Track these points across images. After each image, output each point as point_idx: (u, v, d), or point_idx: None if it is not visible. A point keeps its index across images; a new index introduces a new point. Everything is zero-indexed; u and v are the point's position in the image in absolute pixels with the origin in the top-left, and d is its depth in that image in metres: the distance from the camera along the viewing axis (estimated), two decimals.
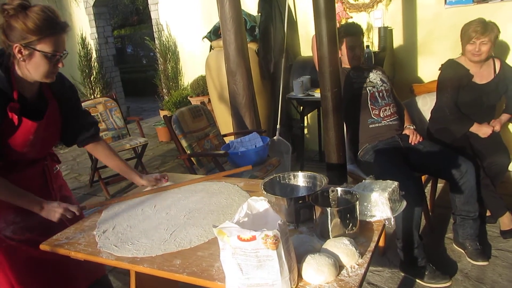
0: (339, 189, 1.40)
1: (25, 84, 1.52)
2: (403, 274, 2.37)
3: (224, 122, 4.24)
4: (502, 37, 3.25)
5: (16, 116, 1.48)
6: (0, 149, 1.49)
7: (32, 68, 1.45)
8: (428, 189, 3.09)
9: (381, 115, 2.63)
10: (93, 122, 1.82)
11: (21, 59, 1.42)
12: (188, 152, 2.99)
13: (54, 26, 1.41)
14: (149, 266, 1.31)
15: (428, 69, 3.71)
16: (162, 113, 5.50)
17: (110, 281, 2.01)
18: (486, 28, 2.58)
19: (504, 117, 2.78)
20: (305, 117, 4.31)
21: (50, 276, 1.70)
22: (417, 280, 2.29)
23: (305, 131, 4.52)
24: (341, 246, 1.19)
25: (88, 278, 1.82)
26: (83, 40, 6.52)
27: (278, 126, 3.90)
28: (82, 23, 6.70)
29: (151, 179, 1.88)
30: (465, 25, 2.69)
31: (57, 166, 1.83)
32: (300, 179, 1.58)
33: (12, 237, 1.60)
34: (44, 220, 1.58)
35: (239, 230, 1.05)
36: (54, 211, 1.55)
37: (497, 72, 2.74)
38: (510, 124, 3.15)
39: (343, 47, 2.68)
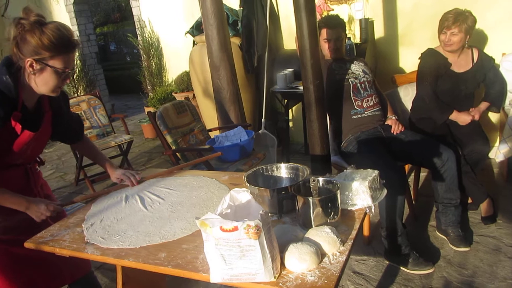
0: (321, 179, 1.43)
1: (29, 95, 1.56)
2: (387, 262, 2.42)
3: (210, 117, 4.24)
4: (480, 26, 3.32)
5: (20, 126, 1.53)
6: None
7: (40, 82, 1.49)
8: (411, 178, 3.15)
9: (364, 106, 2.66)
10: (79, 124, 1.92)
11: (32, 72, 1.46)
12: (173, 147, 2.99)
13: (67, 45, 1.45)
14: (135, 260, 1.32)
15: (409, 60, 3.75)
16: (147, 109, 5.47)
17: (95, 277, 2.02)
18: (457, 19, 2.62)
19: (483, 105, 2.83)
20: (290, 110, 4.34)
21: (35, 273, 1.69)
22: (401, 268, 2.34)
23: (290, 124, 4.54)
24: (322, 235, 1.22)
25: (73, 274, 1.83)
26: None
27: (263, 120, 3.91)
28: (63, 21, 6.59)
29: (120, 176, 1.93)
30: (442, 15, 2.73)
31: (37, 167, 1.84)
32: (283, 170, 1.60)
33: None
34: (26, 219, 1.59)
35: (221, 221, 1.07)
36: (39, 211, 1.57)
37: (475, 61, 2.79)
38: (490, 112, 3.20)
39: (321, 39, 2.69)
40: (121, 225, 1.54)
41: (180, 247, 1.34)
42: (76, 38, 1.50)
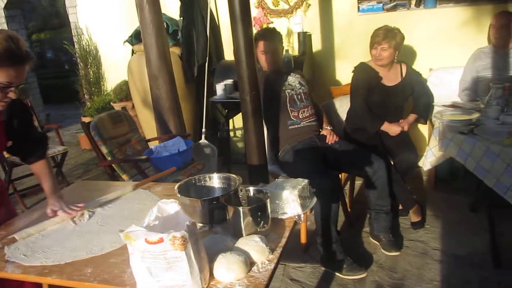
0: (251, 189, 1.44)
1: None
2: (323, 269, 2.48)
3: (149, 127, 4.16)
4: (409, 43, 3.52)
5: None
6: None
7: None
8: (348, 187, 3.25)
9: (300, 117, 2.73)
10: (39, 144, 1.75)
11: None
12: (109, 158, 2.91)
13: (12, 58, 1.34)
14: (58, 277, 1.26)
15: (344, 73, 3.89)
16: (84, 119, 5.28)
17: None
18: (386, 35, 2.78)
19: (412, 117, 3.00)
20: (231, 120, 4.36)
21: None
22: (336, 273, 2.41)
23: (231, 133, 4.56)
24: (252, 244, 1.23)
25: None
26: None
27: (203, 130, 3.90)
28: None
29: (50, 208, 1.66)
30: (373, 31, 2.88)
31: None
32: (215, 180, 1.60)
33: None
34: None
35: (146, 233, 1.05)
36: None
37: (403, 75, 2.96)
38: (418, 123, 3.39)
39: (257, 51, 2.74)
40: (46, 241, 1.46)
41: (108, 261, 1.30)
42: (27, 51, 1.39)
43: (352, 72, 3.00)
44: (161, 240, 1.03)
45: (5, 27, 6.23)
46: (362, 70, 2.94)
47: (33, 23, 14.01)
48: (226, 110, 4.01)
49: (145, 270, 1.07)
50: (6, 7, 6.15)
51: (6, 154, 3.76)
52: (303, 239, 2.67)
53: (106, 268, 1.26)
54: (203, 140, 3.74)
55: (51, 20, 14.94)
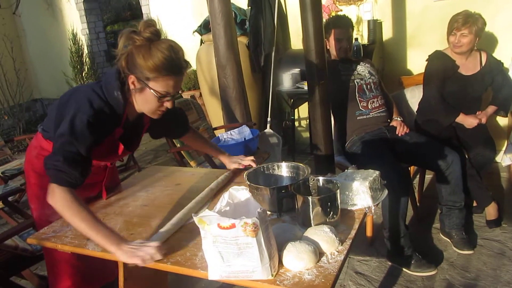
0: (321, 179, 1.43)
1: (132, 111, 1.52)
2: (390, 263, 2.41)
3: (216, 115, 4.25)
4: (490, 29, 3.29)
5: (122, 146, 1.54)
6: (90, 168, 1.44)
7: (140, 101, 1.44)
8: (416, 180, 3.13)
9: (369, 107, 2.66)
10: (182, 119, 1.86)
11: (133, 89, 1.41)
12: (178, 145, 3.01)
13: (172, 69, 1.35)
14: None
15: (417, 62, 3.72)
16: None
17: None
18: (467, 20, 2.61)
19: (490, 109, 2.81)
20: (296, 110, 4.34)
21: (69, 271, 1.70)
22: (404, 269, 2.33)
23: (296, 123, 4.54)
24: (321, 234, 1.22)
25: (100, 279, 1.82)
26: (74, 36, 6.48)
27: (268, 119, 3.91)
28: (73, 18, 6.65)
29: (235, 164, 1.91)
30: (452, 17, 2.72)
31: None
32: (284, 169, 1.60)
33: None
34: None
35: (219, 218, 1.07)
36: (132, 253, 1.28)
37: (483, 64, 2.77)
38: (497, 116, 3.17)
39: (331, 38, 2.70)
40: (119, 220, 1.55)
41: (180, 243, 1.35)
42: (185, 60, 1.40)
43: (426, 60, 2.86)
44: (233, 226, 1.05)
45: (84, 19, 6.61)
46: (437, 58, 2.79)
47: (108, 15, 14.75)
48: (292, 100, 3.99)
49: (217, 254, 1.10)
50: (85, 0, 6.52)
51: None
52: (369, 232, 2.61)
53: (178, 250, 1.31)
54: (268, 129, 3.76)
55: (124, 12, 15.65)
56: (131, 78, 1.37)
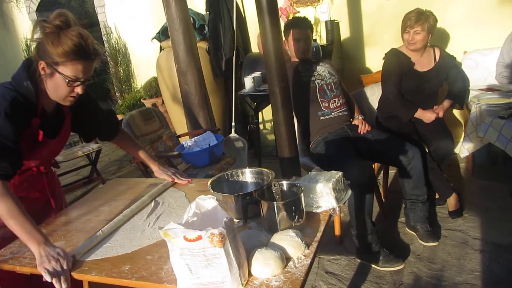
0: (284, 183, 1.43)
1: (48, 100, 1.52)
2: (359, 261, 2.44)
3: (179, 122, 4.20)
4: (441, 25, 3.40)
5: (42, 132, 1.51)
6: (20, 160, 1.45)
7: (51, 87, 1.46)
8: (381, 176, 3.19)
9: (331, 107, 2.69)
10: (112, 120, 1.88)
11: (43, 75, 1.43)
12: None
13: (81, 54, 1.39)
14: (98, 274, 1.28)
15: (374, 60, 3.81)
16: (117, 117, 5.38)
17: None
18: (419, 17, 2.69)
19: (446, 103, 2.90)
20: (260, 113, 4.34)
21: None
22: (373, 265, 2.37)
23: (261, 126, 4.55)
24: (287, 239, 1.21)
25: None
26: (28, 46, 6.27)
27: (233, 123, 3.91)
28: (25, 28, 6.44)
29: (166, 175, 1.91)
30: (404, 15, 2.79)
31: (52, 168, 1.82)
32: (248, 175, 1.59)
33: None
34: (38, 221, 1.54)
35: (185, 230, 1.05)
36: (42, 262, 1.29)
37: (437, 60, 2.86)
38: (453, 109, 3.28)
39: (290, 39, 2.71)
40: (81, 238, 1.50)
41: (145, 258, 1.31)
42: (95, 48, 1.44)
43: (383, 58, 2.93)
44: (199, 238, 1.03)
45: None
46: (393, 56, 2.86)
47: None
48: (255, 103, 3.99)
49: (185, 267, 1.08)
50: (38, 10, 6.32)
51: None
52: (337, 231, 2.64)
53: (143, 265, 1.28)
54: (233, 134, 3.75)
55: (80, 20, 15.31)
56: (41, 64, 1.41)
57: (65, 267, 1.29)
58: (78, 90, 1.47)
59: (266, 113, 4.56)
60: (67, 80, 1.42)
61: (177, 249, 1.08)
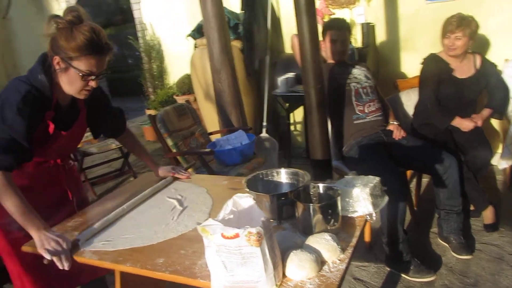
0: (321, 185, 1.41)
1: (63, 94, 1.56)
2: (388, 269, 2.39)
3: (211, 120, 4.22)
4: (483, 32, 3.29)
5: (53, 125, 1.54)
6: (31, 152, 1.50)
7: (66, 81, 1.50)
8: (413, 184, 3.12)
9: (366, 111, 2.64)
10: (120, 119, 1.92)
11: (58, 70, 1.48)
12: (174, 150, 2.98)
13: (93, 48, 1.43)
14: (132, 265, 1.30)
15: (411, 65, 3.73)
16: (149, 112, 5.46)
17: (106, 282, 2.00)
18: (461, 22, 2.61)
19: (486, 112, 2.80)
20: (292, 114, 4.32)
21: (57, 268, 1.68)
22: (403, 275, 2.31)
23: (292, 127, 4.53)
24: (322, 242, 1.20)
25: (92, 274, 1.81)
26: None
27: (264, 124, 3.90)
28: None
29: (166, 172, 1.98)
30: (445, 20, 2.72)
31: (71, 162, 1.87)
32: (283, 175, 1.58)
33: (20, 229, 1.55)
34: (50, 217, 1.59)
35: (222, 227, 1.05)
36: (42, 244, 1.39)
37: (477, 67, 2.77)
38: (492, 118, 3.18)
39: (327, 40, 2.69)
40: (118, 229, 1.52)
41: (178, 252, 1.32)
42: (107, 42, 1.48)
43: (421, 63, 2.86)
44: (237, 235, 1.02)
45: None
46: (432, 61, 2.79)
47: (99, 19, 14.70)
48: (287, 104, 3.98)
49: (220, 264, 1.08)
50: (77, 4, 6.48)
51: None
52: (367, 237, 2.60)
53: (177, 259, 1.28)
54: (264, 134, 3.74)
55: (115, 17, 15.61)
56: (56, 59, 1.45)
57: (65, 247, 1.38)
58: (92, 83, 1.51)
59: (297, 115, 4.53)
60: (81, 74, 1.46)
61: (214, 246, 1.08)
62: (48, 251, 1.36)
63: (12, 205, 1.41)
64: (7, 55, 6.93)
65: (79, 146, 3.93)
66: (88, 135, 3.59)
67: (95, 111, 1.75)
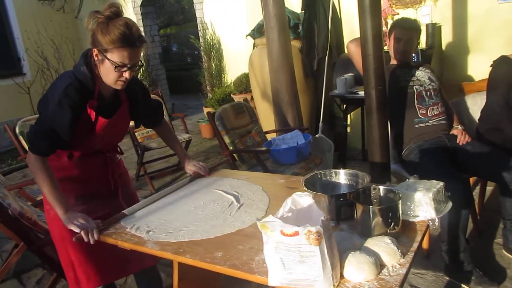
0: (382, 188, 1.38)
1: (103, 85, 1.66)
2: (447, 278, 2.30)
3: (267, 119, 4.25)
4: None
5: (94, 113, 1.64)
6: (70, 140, 1.62)
7: (103, 72, 1.60)
8: (477, 191, 2.98)
9: (429, 115, 2.56)
10: (158, 111, 2.02)
11: (97, 62, 1.58)
12: (231, 148, 3.03)
13: (126, 41, 1.51)
14: (191, 258, 1.34)
15: (478, 67, 3.57)
16: (206, 110, 5.59)
17: (159, 270, 2.09)
18: None
19: None
20: (348, 115, 4.26)
21: (107, 256, 1.77)
22: (463, 285, 2.22)
23: (348, 129, 4.46)
24: (382, 245, 1.18)
25: (141, 263, 1.90)
26: None
27: (320, 124, 3.87)
28: None
29: (193, 167, 2.05)
30: None
31: (118, 156, 1.96)
32: (342, 176, 1.57)
33: None
34: (96, 210, 1.69)
35: (282, 225, 1.06)
36: (70, 220, 1.55)
37: None
38: None
39: (391, 39, 2.62)
40: (176, 223, 1.58)
41: (236, 247, 1.35)
42: (140, 36, 1.56)
43: (491, 66, 2.72)
44: (296, 233, 1.03)
45: (140, 23, 6.84)
46: (503, 64, 2.64)
47: (161, 19, 15.20)
48: (345, 105, 3.92)
49: (278, 260, 1.09)
50: (142, 5, 6.75)
51: (139, 139, 4.15)
52: (425, 244, 2.51)
53: (234, 254, 1.31)
54: (320, 134, 3.72)
55: (176, 16, 16.09)
56: (95, 51, 1.55)
57: (91, 223, 1.54)
58: (126, 75, 1.58)
59: (354, 116, 4.46)
60: (115, 66, 1.53)
61: (272, 242, 1.09)
62: (77, 225, 1.52)
63: (45, 186, 1.58)
64: (77, 53, 7.34)
65: (140, 141, 4.10)
66: (149, 130, 3.75)
67: (135, 103, 1.84)
